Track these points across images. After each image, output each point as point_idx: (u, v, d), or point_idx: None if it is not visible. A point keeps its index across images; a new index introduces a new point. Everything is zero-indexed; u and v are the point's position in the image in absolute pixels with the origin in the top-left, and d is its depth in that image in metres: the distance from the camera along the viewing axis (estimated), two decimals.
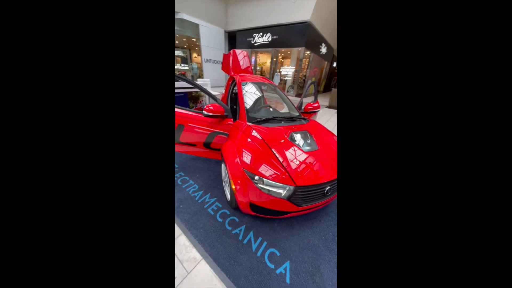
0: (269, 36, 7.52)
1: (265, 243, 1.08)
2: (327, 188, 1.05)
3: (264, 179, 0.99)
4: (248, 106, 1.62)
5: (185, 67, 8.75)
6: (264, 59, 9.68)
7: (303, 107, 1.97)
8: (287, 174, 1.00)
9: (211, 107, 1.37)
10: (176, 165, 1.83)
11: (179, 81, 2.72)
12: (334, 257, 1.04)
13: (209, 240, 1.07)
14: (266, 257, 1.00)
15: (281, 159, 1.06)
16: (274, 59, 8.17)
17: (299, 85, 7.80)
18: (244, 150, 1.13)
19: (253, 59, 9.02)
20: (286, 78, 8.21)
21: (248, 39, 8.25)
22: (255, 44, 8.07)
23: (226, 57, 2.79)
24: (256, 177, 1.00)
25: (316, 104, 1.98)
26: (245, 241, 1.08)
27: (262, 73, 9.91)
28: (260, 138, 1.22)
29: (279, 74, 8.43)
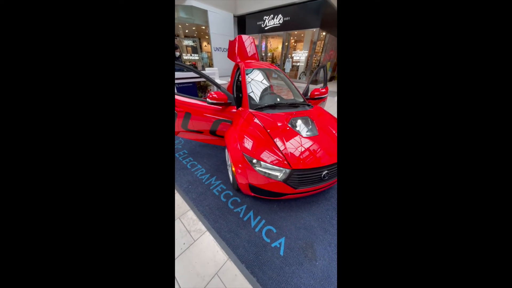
0: (280, 18, 7.05)
1: (263, 221, 1.17)
2: (324, 172, 1.07)
3: (261, 162, 1.04)
4: (251, 93, 1.63)
5: (195, 57, 8.77)
6: (276, 44, 9.17)
7: (309, 94, 1.92)
8: (283, 157, 1.04)
9: (215, 95, 1.42)
10: (185, 151, 1.98)
11: (188, 71, 2.79)
12: (328, 237, 1.09)
13: (213, 216, 1.20)
14: (263, 233, 1.09)
15: (278, 144, 1.10)
16: (286, 44, 7.71)
17: (312, 70, 7.35)
18: (244, 135, 1.19)
19: (263, 45, 8.64)
20: (298, 64, 7.76)
21: (258, 23, 7.85)
22: (266, 28, 7.66)
23: (232, 44, 2.71)
24: (254, 160, 1.06)
25: (323, 90, 1.90)
26: (245, 219, 1.18)
27: (273, 59, 9.48)
28: (260, 124, 1.25)
29: (290, 59, 7.99)
